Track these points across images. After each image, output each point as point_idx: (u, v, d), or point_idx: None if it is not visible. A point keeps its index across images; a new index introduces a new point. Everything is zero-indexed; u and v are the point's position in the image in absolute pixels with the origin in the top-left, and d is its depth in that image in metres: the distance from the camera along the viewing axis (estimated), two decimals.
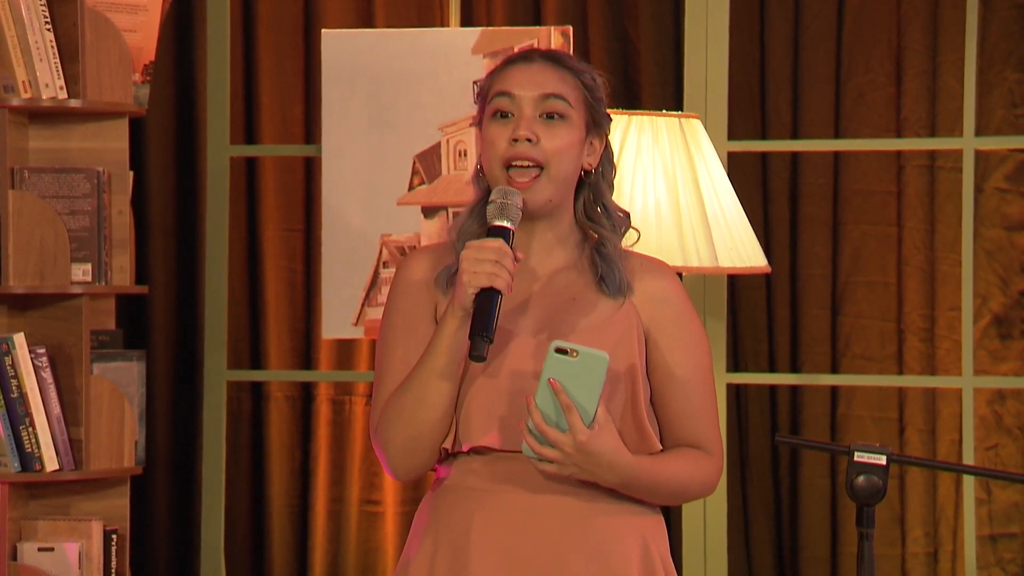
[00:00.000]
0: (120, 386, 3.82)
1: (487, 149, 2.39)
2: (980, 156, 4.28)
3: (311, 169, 4.55)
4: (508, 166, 2.37)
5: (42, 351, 3.74)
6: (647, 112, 3.82)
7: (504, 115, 2.38)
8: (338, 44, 4.08)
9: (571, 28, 4.05)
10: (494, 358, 2.36)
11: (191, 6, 4.50)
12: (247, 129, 4.57)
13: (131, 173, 3.89)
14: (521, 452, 2.33)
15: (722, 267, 3.72)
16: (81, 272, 3.77)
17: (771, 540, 4.48)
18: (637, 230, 2.46)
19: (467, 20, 4.42)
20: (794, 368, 4.47)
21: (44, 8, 3.74)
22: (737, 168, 4.21)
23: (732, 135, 4.20)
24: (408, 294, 2.43)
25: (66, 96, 3.76)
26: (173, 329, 4.55)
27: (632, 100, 4.48)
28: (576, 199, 2.44)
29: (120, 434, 3.80)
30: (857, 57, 4.41)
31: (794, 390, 4.48)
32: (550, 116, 2.38)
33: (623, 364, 2.37)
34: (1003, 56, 4.37)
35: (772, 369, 4.48)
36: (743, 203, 3.85)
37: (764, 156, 4.49)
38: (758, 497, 4.47)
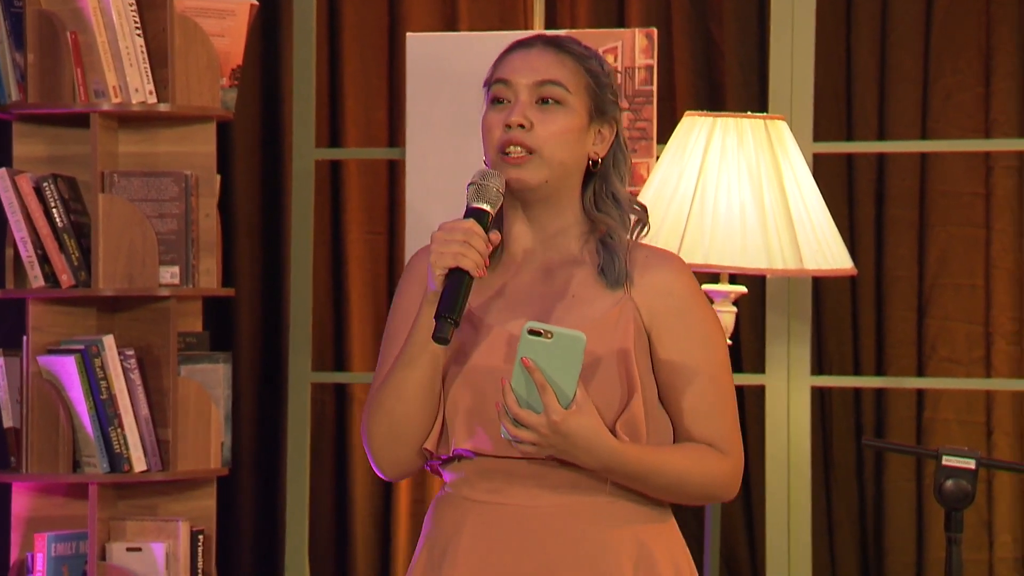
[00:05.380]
0: (207, 388, 3.85)
1: (485, 136, 2.33)
2: None
3: (395, 172, 4.57)
4: (502, 151, 2.31)
5: (131, 353, 3.77)
6: (732, 114, 3.80)
7: (501, 101, 2.32)
8: (422, 47, 4.09)
9: (655, 30, 4.04)
10: (484, 357, 2.29)
11: (278, 11, 4.53)
12: (332, 132, 4.60)
13: (218, 176, 3.92)
14: (510, 457, 2.26)
15: (807, 269, 3.70)
16: (169, 275, 3.80)
17: (856, 544, 4.45)
18: (649, 225, 2.37)
19: (551, 23, 4.42)
20: (879, 371, 4.43)
21: (134, 14, 3.78)
22: (822, 169, 4.18)
23: (817, 136, 4.17)
24: (409, 292, 2.36)
25: (155, 100, 3.79)
26: (258, 331, 4.59)
27: (717, 102, 4.46)
28: (585, 189, 2.36)
29: (207, 435, 3.82)
30: (945, 57, 4.37)
31: (879, 393, 4.44)
32: (545, 101, 2.31)
33: (616, 362, 2.27)
34: None
35: (857, 372, 4.44)
36: (828, 205, 3.83)
37: (850, 157, 4.45)
38: (843, 501, 4.44)
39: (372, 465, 2.33)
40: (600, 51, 4.01)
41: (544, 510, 2.28)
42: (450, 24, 4.55)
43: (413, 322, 2.28)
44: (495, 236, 2.27)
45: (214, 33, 3.88)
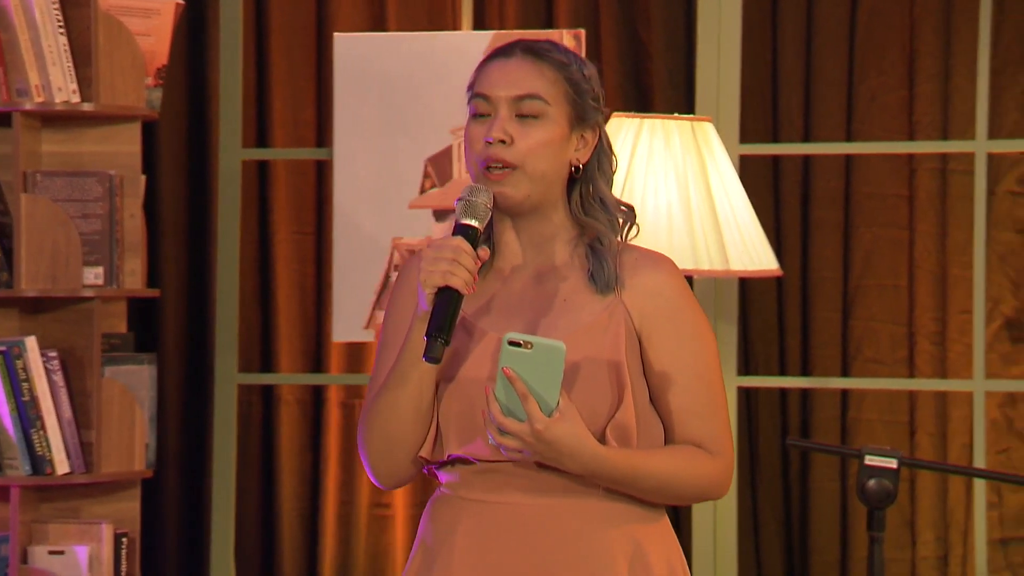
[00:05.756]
0: (131, 389, 3.83)
1: (467, 149, 2.36)
2: (993, 159, 4.28)
3: (323, 172, 4.55)
4: (484, 167, 2.33)
5: (53, 354, 3.74)
6: (659, 115, 3.82)
7: (482, 116, 2.35)
8: (350, 47, 4.08)
9: (583, 31, 4.05)
10: (477, 364, 2.32)
11: (204, 10, 4.51)
12: (259, 133, 4.58)
13: (143, 177, 3.89)
14: (502, 460, 2.29)
15: (733, 270, 3.72)
16: (93, 275, 3.78)
17: (781, 544, 4.48)
18: (637, 226, 2.40)
19: (479, 23, 4.42)
20: (805, 371, 4.47)
21: (57, 12, 3.75)
22: (749, 171, 4.21)
23: (744, 138, 4.20)
24: (403, 299, 2.38)
25: (79, 100, 3.76)
26: (184, 332, 4.56)
27: (644, 103, 4.48)
28: (571, 193, 2.38)
29: (131, 437, 3.80)
30: (869, 60, 4.41)
31: (804, 393, 4.47)
32: (526, 116, 2.33)
33: (607, 366, 2.31)
34: (1016, 59, 4.37)
35: (782, 372, 4.47)
36: (754, 206, 3.85)
37: (776, 159, 4.48)
38: (768, 501, 4.47)
39: (370, 476, 2.36)
40: None
41: (539, 509, 2.31)
42: (378, 24, 4.54)
43: (404, 339, 2.31)
44: (484, 252, 2.29)
45: (139, 32, 3.85)
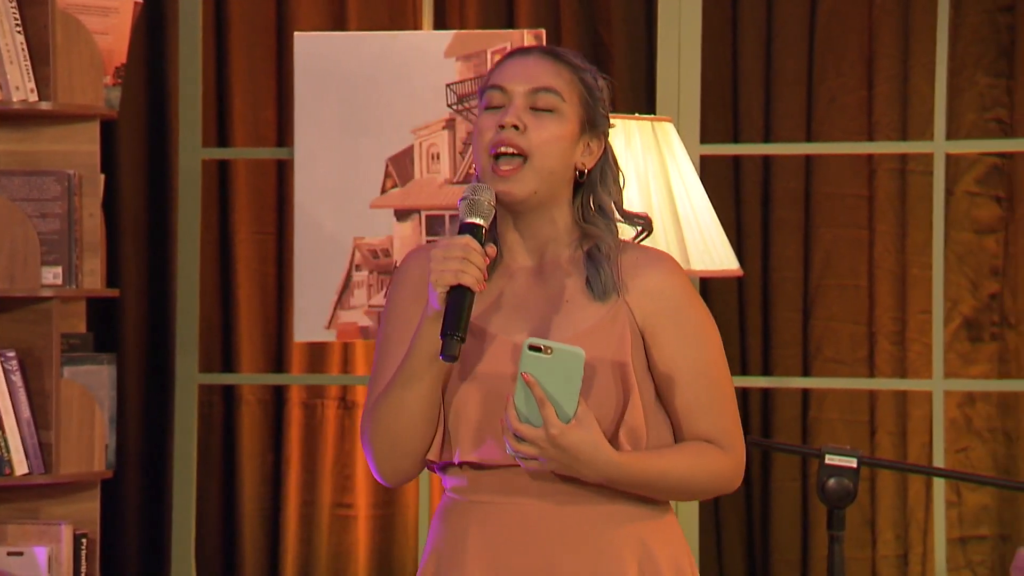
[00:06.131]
0: (91, 389, 3.81)
1: (476, 139, 2.36)
2: (951, 159, 4.30)
3: (283, 172, 4.54)
4: (494, 154, 2.33)
5: (12, 354, 3.72)
6: (619, 115, 3.82)
7: (496, 108, 2.36)
8: (310, 47, 4.08)
9: (544, 31, 4.05)
10: (484, 365, 2.33)
11: (163, 8, 4.49)
12: (219, 132, 4.56)
13: (102, 176, 3.88)
14: (514, 465, 2.30)
15: (694, 270, 3.73)
16: (51, 275, 3.76)
17: (743, 543, 4.50)
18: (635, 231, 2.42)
19: (440, 23, 4.42)
20: (766, 371, 4.48)
21: (14, 10, 3.73)
22: (709, 171, 4.22)
23: (704, 138, 4.21)
24: (405, 294, 2.39)
25: (37, 98, 3.74)
26: (144, 332, 4.54)
27: None
28: (575, 198, 2.40)
29: (90, 437, 3.78)
30: (829, 61, 4.43)
31: (765, 393, 4.49)
32: (540, 110, 2.35)
33: (612, 367, 2.32)
34: (974, 60, 4.39)
35: (744, 372, 4.49)
36: (715, 206, 3.86)
37: (736, 159, 4.50)
38: (729, 500, 4.48)
39: (374, 474, 2.37)
40: (488, 52, 4.04)
41: (547, 512, 2.33)
42: (338, 23, 4.54)
43: (412, 339, 2.31)
44: (491, 249, 2.30)
45: (97, 31, 3.84)
